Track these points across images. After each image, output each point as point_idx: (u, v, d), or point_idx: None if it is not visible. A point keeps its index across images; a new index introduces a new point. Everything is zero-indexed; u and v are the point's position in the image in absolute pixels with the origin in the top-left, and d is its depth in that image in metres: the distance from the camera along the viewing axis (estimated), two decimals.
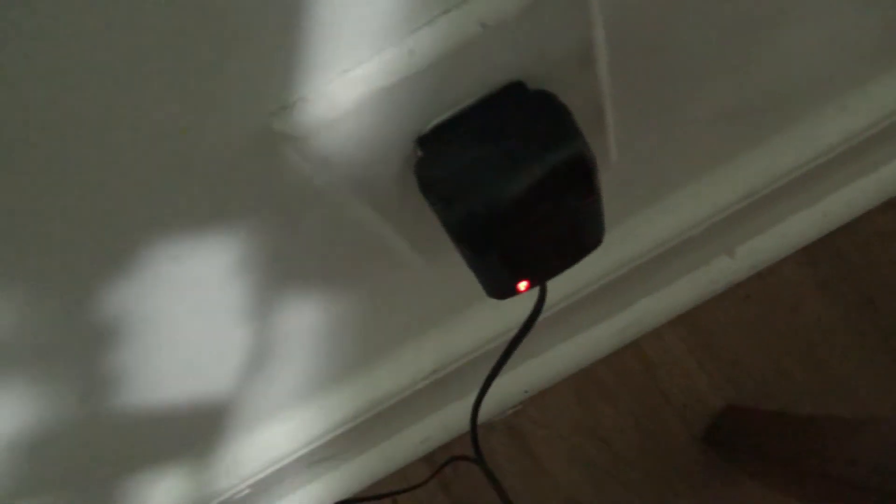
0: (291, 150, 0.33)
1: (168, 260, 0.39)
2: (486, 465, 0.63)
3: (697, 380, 0.84)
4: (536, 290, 0.44)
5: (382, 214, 0.40)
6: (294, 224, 0.41)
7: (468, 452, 0.87)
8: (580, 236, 0.37)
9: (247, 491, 0.74)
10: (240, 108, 0.31)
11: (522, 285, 0.39)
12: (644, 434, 0.84)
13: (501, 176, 0.32)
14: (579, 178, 0.33)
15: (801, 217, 0.81)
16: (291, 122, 0.31)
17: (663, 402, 0.84)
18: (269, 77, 0.30)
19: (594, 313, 0.82)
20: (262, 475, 0.74)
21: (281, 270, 0.46)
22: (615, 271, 0.69)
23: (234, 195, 0.36)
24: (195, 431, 0.65)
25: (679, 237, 0.66)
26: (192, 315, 0.46)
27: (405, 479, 0.86)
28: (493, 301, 0.67)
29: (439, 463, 0.83)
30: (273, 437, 0.73)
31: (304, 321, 0.55)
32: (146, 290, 0.41)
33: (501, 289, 0.39)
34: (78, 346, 0.43)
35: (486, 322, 0.66)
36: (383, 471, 0.86)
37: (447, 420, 0.83)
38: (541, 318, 0.74)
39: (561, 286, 0.67)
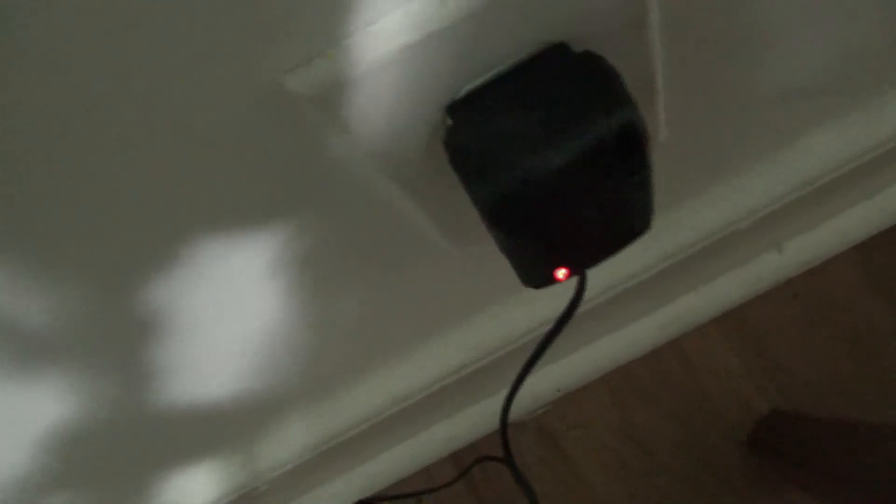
0: (308, 113, 0.29)
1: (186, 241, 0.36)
2: (517, 467, 0.60)
3: (741, 382, 0.80)
4: (574, 280, 0.41)
5: (408, 191, 0.36)
6: (311, 201, 0.38)
7: (496, 452, 0.83)
8: (627, 219, 0.34)
9: (265, 487, 0.72)
10: (251, 66, 0.27)
11: (561, 273, 0.35)
12: (683, 438, 0.80)
13: (541, 148, 0.29)
14: (629, 150, 0.29)
15: (856, 211, 0.76)
16: (307, 80, 0.27)
17: (704, 404, 0.80)
18: (283, 30, 0.26)
19: (633, 309, 0.78)
20: (281, 470, 0.71)
21: (296, 255, 0.42)
22: (657, 265, 0.65)
23: (246, 165, 0.33)
24: (218, 427, 0.64)
25: (726, 229, 0.62)
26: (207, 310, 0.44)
27: (430, 478, 0.83)
28: (525, 293, 0.63)
29: (466, 462, 0.80)
30: (293, 432, 0.70)
31: (324, 313, 0.52)
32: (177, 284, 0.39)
33: (537, 276, 0.35)
34: (119, 341, 0.43)
35: (517, 316, 0.63)
36: (407, 469, 0.83)
37: (475, 418, 0.80)
38: (577, 313, 0.71)
39: (598, 279, 0.63)
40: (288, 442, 0.70)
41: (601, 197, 0.31)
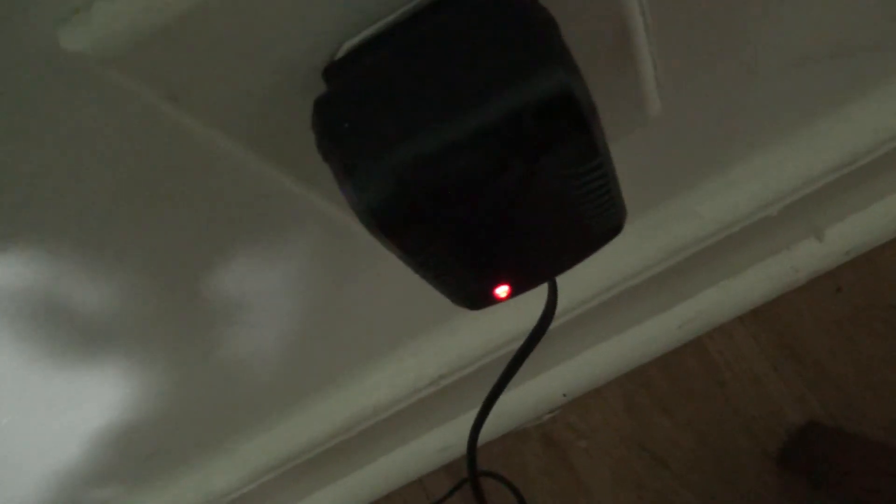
0: (109, 78, 0.21)
1: None
2: (479, 491, 0.52)
3: (773, 388, 0.70)
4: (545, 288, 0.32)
5: (303, 180, 0.28)
6: (208, 192, 0.30)
7: (494, 463, 0.76)
8: (581, 220, 0.25)
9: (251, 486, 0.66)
10: (16, 19, 0.19)
11: (502, 290, 0.27)
12: (706, 451, 0.71)
13: (441, 122, 0.20)
14: (566, 126, 0.20)
15: None
16: (86, 34, 0.19)
17: (730, 413, 0.71)
18: None
19: (646, 306, 0.69)
20: (269, 476, 0.66)
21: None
22: (670, 258, 0.56)
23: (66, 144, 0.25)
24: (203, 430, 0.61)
25: (752, 217, 0.53)
26: None
27: (424, 489, 0.76)
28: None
29: (462, 474, 0.73)
30: (273, 438, 0.64)
31: (284, 316, 0.45)
32: None
33: (470, 297, 0.27)
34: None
35: (498, 322, 0.55)
36: (398, 480, 0.76)
37: (468, 427, 0.72)
38: (581, 310, 0.63)
39: (595, 277, 0.55)
40: (277, 445, 0.65)
41: (536, 192, 0.22)
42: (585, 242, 0.26)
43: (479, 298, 0.27)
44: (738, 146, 0.49)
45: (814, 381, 0.70)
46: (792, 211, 0.57)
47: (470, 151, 0.20)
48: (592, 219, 0.25)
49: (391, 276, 0.46)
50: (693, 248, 0.56)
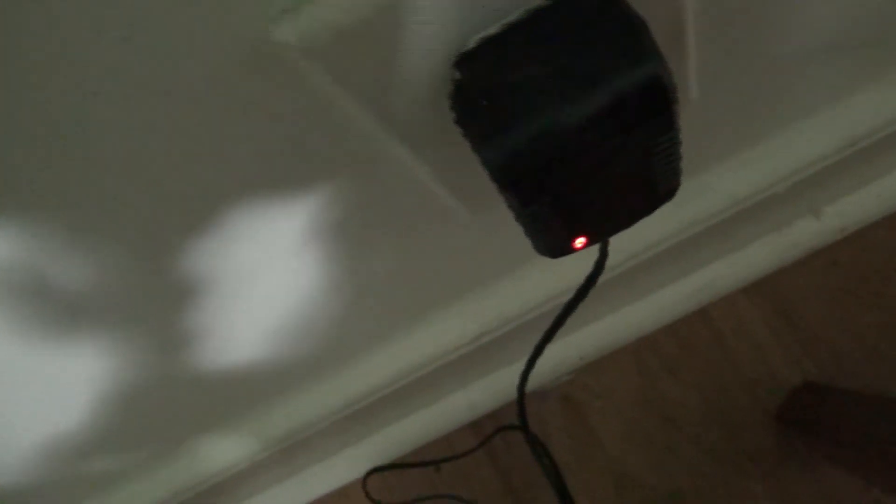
0: (302, 67, 0.27)
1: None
2: (535, 437, 0.58)
3: (772, 353, 0.76)
4: (596, 248, 0.38)
5: (416, 153, 0.34)
6: (323, 164, 0.35)
7: (517, 421, 0.82)
8: (652, 183, 0.31)
9: (281, 455, 0.71)
10: (232, 16, 0.25)
11: (579, 242, 0.33)
12: (710, 410, 0.77)
13: (557, 104, 0.26)
14: (655, 107, 0.26)
15: None
16: (295, 29, 0.25)
17: (733, 375, 0.77)
18: None
19: (659, 276, 0.75)
20: (298, 438, 0.70)
21: (311, 221, 0.40)
22: (684, 231, 0.62)
23: (251, 127, 0.30)
24: (239, 391, 0.64)
25: (762, 193, 0.59)
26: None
27: (450, 446, 0.82)
28: (546, 260, 0.61)
29: (486, 431, 0.78)
30: (312, 398, 0.69)
31: (341, 281, 0.50)
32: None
33: (554, 246, 0.33)
34: (156, 304, 0.43)
35: (538, 283, 0.60)
36: (426, 437, 0.81)
37: (495, 386, 0.78)
38: (601, 280, 0.68)
39: (623, 245, 0.60)
40: (306, 408, 0.70)
41: (623, 159, 0.28)
42: (650, 201, 0.32)
43: (562, 247, 0.33)
44: (755, 129, 0.54)
45: (809, 346, 0.76)
46: (794, 191, 0.62)
47: (581, 127, 0.26)
48: (659, 181, 0.31)
49: (446, 240, 0.51)
50: (707, 222, 0.62)
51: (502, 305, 0.61)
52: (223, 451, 0.72)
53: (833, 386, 0.74)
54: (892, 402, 0.62)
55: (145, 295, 0.41)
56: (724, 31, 0.40)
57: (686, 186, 0.59)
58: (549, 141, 0.26)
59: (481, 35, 0.28)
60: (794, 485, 0.75)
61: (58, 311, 0.40)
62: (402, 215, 0.45)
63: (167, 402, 0.58)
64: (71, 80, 0.25)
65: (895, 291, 0.76)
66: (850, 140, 0.56)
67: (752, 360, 0.77)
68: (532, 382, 0.83)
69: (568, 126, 0.26)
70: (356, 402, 0.69)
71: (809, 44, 0.46)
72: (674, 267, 0.74)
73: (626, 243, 0.61)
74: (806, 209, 0.73)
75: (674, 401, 0.78)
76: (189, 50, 0.25)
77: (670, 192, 0.32)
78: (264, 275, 0.45)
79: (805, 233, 0.75)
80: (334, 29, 0.25)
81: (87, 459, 0.61)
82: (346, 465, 0.83)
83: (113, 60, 0.24)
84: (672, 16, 0.33)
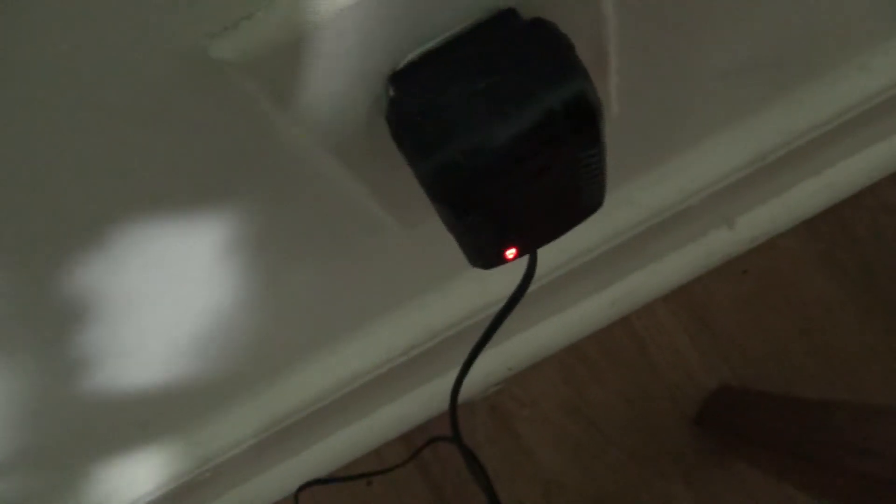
0: (238, 83, 0.27)
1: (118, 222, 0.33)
2: (467, 448, 0.59)
3: (690, 358, 0.80)
4: (524, 259, 0.39)
5: (351, 168, 0.34)
6: (252, 179, 0.36)
7: (448, 432, 0.82)
8: (579, 196, 0.32)
9: (209, 473, 0.70)
10: (171, 29, 0.25)
11: (510, 253, 0.34)
12: (633, 414, 0.80)
13: (486, 120, 0.27)
14: (582, 123, 0.28)
15: (805, 187, 0.77)
16: (232, 46, 0.25)
17: (654, 381, 0.80)
18: None
19: (583, 287, 0.77)
20: (227, 455, 0.69)
21: (238, 235, 0.40)
22: (608, 242, 0.64)
23: (177, 141, 0.30)
24: (160, 413, 0.62)
25: (679, 205, 0.61)
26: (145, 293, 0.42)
27: (381, 459, 0.82)
28: (474, 273, 0.62)
29: (417, 443, 0.79)
30: (239, 416, 0.68)
31: (269, 294, 0.49)
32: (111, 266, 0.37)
33: (487, 257, 0.34)
34: (49, 323, 0.41)
35: (465, 296, 0.61)
36: (357, 451, 0.81)
37: (426, 399, 0.79)
38: (527, 291, 0.70)
39: (548, 256, 0.62)
40: (234, 426, 0.69)
41: (552, 173, 0.29)
42: (577, 214, 0.34)
43: (494, 258, 0.34)
44: (672, 144, 0.57)
45: (725, 352, 0.80)
46: (708, 203, 0.65)
47: (511, 142, 0.27)
48: (586, 194, 0.32)
49: (377, 254, 0.52)
50: (627, 233, 0.64)
51: (431, 318, 0.62)
52: (147, 473, 0.70)
53: (746, 388, 0.78)
54: (800, 402, 0.65)
55: (37, 315, 0.40)
56: (644, 52, 0.42)
57: (608, 199, 0.61)
58: (481, 155, 0.27)
59: (415, 53, 0.29)
60: (713, 484, 0.78)
61: None
62: (333, 229, 0.45)
63: (74, 428, 0.56)
64: None
65: (802, 298, 0.80)
66: (760, 154, 0.60)
67: (672, 366, 0.80)
68: (462, 394, 0.84)
69: (499, 141, 0.27)
70: (285, 419, 0.68)
71: (721, 65, 0.48)
72: (597, 277, 0.77)
73: (552, 255, 0.63)
74: (720, 220, 0.77)
75: (599, 407, 0.80)
76: (125, 65, 0.25)
77: (596, 204, 0.34)
78: (182, 291, 0.44)
79: (719, 243, 0.78)
80: (271, 46, 0.25)
81: None
82: (277, 483, 0.82)
83: (49, 70, 0.24)
84: (596, 37, 0.34)
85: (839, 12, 0.51)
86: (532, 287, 0.69)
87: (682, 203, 0.62)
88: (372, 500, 0.82)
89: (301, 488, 0.69)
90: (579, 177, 0.30)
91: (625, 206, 0.61)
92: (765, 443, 0.66)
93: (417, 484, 0.81)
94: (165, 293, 0.43)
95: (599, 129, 0.28)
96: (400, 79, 0.29)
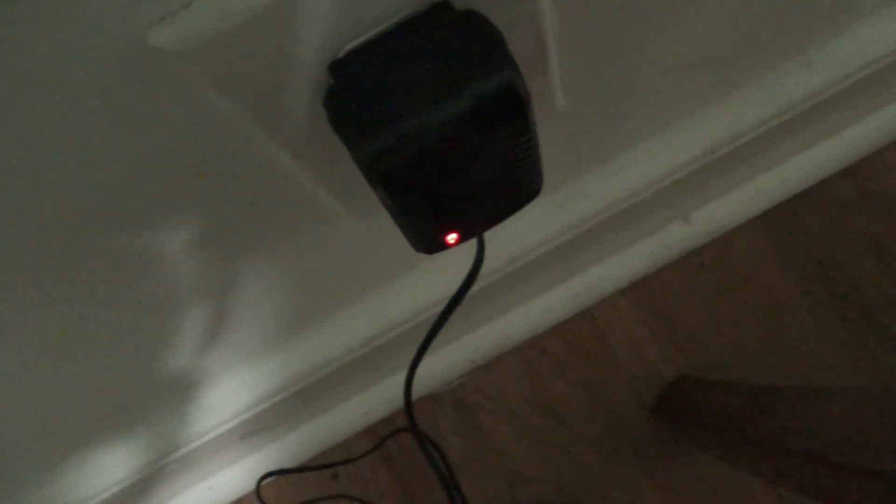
0: (179, 72, 0.28)
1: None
2: (426, 438, 0.60)
3: (649, 350, 0.81)
4: (474, 247, 0.41)
5: (297, 157, 0.35)
6: (198, 170, 0.36)
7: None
8: (515, 182, 0.33)
9: (173, 465, 0.70)
10: (110, 18, 0.26)
11: (452, 238, 0.35)
12: (595, 406, 0.81)
13: (422, 106, 0.28)
14: (510, 111, 0.29)
15: (758, 182, 0.79)
16: (172, 35, 0.26)
17: (615, 372, 0.81)
18: None
19: (543, 280, 0.78)
20: (189, 447, 0.70)
21: (188, 229, 0.41)
22: (563, 235, 0.65)
23: (118, 131, 0.31)
24: (119, 403, 0.62)
25: (631, 199, 0.63)
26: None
27: (347, 453, 0.83)
28: (435, 264, 0.63)
29: (382, 436, 0.80)
30: (201, 407, 0.69)
31: (225, 284, 0.50)
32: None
33: (427, 241, 0.35)
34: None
35: (427, 286, 0.63)
36: (323, 444, 0.82)
37: (390, 392, 0.80)
38: (486, 283, 0.71)
39: (505, 249, 0.63)
40: (194, 421, 0.69)
41: (485, 159, 0.30)
42: (515, 199, 0.35)
43: (435, 242, 0.35)
44: (623, 137, 0.58)
45: (683, 343, 0.81)
46: (664, 196, 0.67)
47: (444, 127, 0.28)
48: (522, 181, 0.34)
49: (335, 245, 0.53)
50: (582, 226, 0.65)
51: (393, 309, 0.63)
52: (110, 465, 0.70)
53: (702, 378, 0.80)
54: (751, 388, 0.67)
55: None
56: (587, 47, 0.44)
57: (561, 191, 0.63)
58: (415, 140, 0.28)
59: (354, 43, 0.30)
60: (673, 472, 0.80)
61: None
62: (287, 221, 0.46)
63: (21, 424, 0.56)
64: None
65: (758, 290, 0.82)
66: (709, 149, 0.61)
67: (632, 358, 0.82)
68: (426, 387, 0.86)
69: (432, 126, 0.28)
70: (246, 412, 0.69)
71: (666, 61, 0.50)
72: (557, 270, 0.78)
73: (509, 247, 0.64)
74: (676, 214, 0.78)
75: (561, 399, 0.82)
76: (65, 55, 0.26)
77: (534, 190, 0.35)
78: (132, 287, 0.45)
79: (676, 236, 0.80)
80: (211, 34, 0.26)
81: None
82: (241, 477, 0.83)
83: None
84: (533, 30, 0.36)
85: (783, 10, 0.53)
86: (492, 279, 0.70)
87: (636, 196, 0.63)
88: (338, 493, 0.83)
89: (263, 477, 0.70)
90: (513, 163, 0.32)
91: (580, 199, 0.62)
92: (717, 429, 0.68)
93: (382, 475, 0.82)
94: (115, 290, 0.44)
95: (527, 117, 0.29)
96: (338, 67, 0.30)
